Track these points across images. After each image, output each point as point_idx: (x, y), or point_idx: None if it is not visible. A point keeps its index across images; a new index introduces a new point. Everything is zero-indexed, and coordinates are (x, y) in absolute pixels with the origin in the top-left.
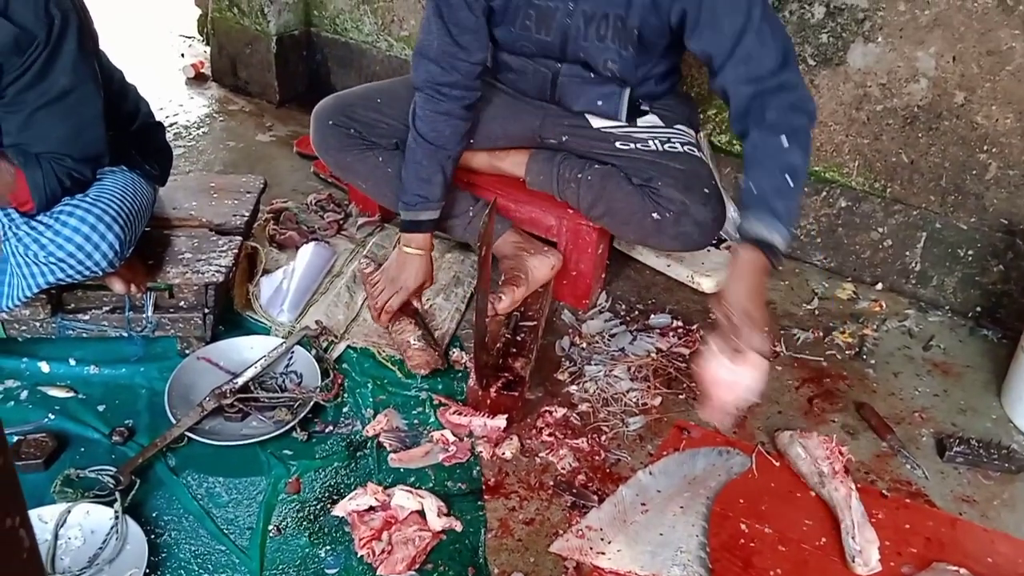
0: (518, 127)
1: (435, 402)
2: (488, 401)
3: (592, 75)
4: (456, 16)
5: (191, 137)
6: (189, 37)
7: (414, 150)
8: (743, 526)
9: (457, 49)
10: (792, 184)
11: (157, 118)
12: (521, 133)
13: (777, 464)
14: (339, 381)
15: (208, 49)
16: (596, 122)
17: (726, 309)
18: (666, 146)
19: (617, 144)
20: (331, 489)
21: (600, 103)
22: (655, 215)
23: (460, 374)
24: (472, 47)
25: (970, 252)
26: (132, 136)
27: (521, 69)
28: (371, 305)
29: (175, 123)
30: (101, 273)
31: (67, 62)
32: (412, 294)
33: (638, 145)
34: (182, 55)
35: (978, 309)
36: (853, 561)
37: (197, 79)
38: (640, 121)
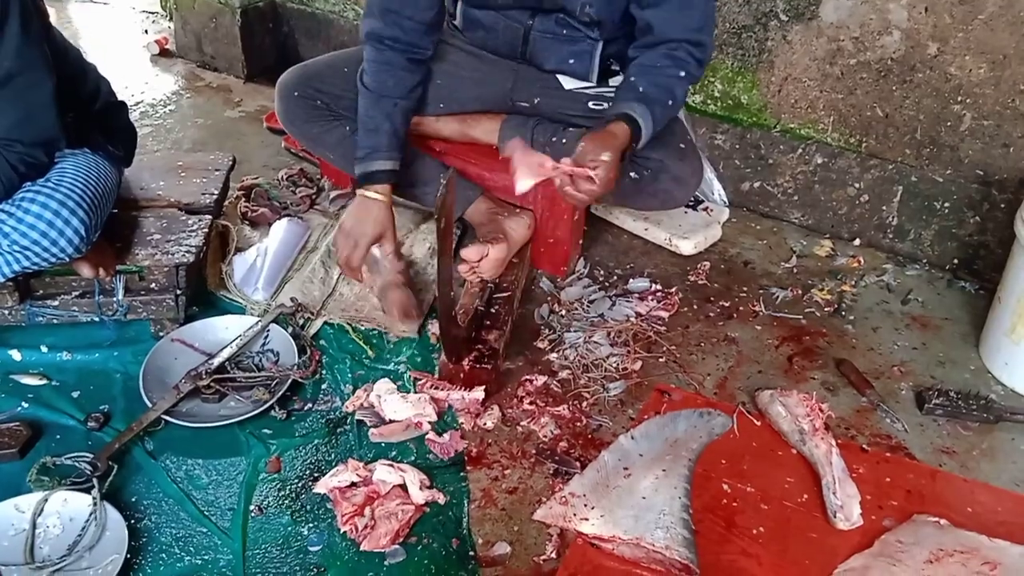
0: (489, 90)
1: (411, 378)
2: (461, 375)
3: (564, 32)
4: None
5: (158, 115)
6: (152, 13)
7: (361, 102)
8: (725, 486)
9: (401, 5)
10: (670, 107)
11: (121, 97)
12: (493, 96)
13: (758, 423)
14: (317, 358)
15: (172, 25)
16: (568, 83)
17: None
18: None
19: (590, 104)
20: (312, 467)
21: (572, 61)
22: (632, 174)
23: (437, 347)
24: (419, 4)
25: (946, 204)
26: (94, 117)
27: (491, 26)
28: (340, 265)
29: (141, 102)
30: (68, 259)
31: (10, 46)
32: (370, 244)
33: (608, 104)
34: (146, 31)
35: (955, 261)
36: (835, 516)
37: (162, 55)
38: (611, 81)
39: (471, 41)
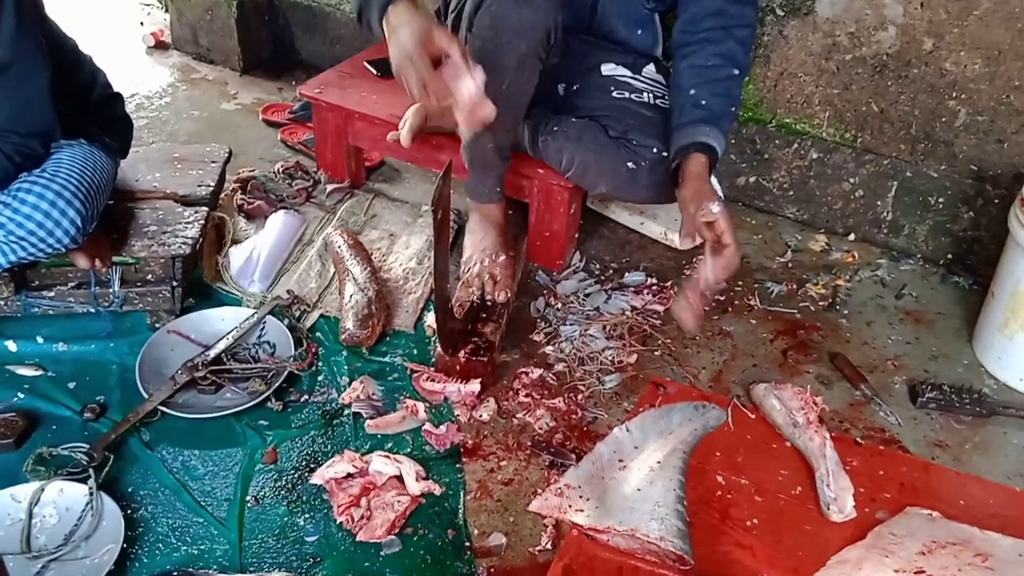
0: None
1: (408, 370)
2: (457, 367)
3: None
4: None
5: (153, 108)
6: (148, 4)
7: None
8: (720, 479)
9: None
10: (735, 113)
11: (116, 88)
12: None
13: (752, 416)
14: (313, 350)
15: (168, 16)
16: (606, 68)
17: (710, 211)
18: (659, 101)
19: (613, 93)
20: (308, 458)
21: (640, 32)
22: (630, 163)
23: (433, 340)
24: None
25: (941, 200)
26: (90, 108)
27: None
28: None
29: (136, 93)
30: (64, 250)
31: (5, 35)
32: (424, 49)
33: (632, 96)
34: (141, 23)
35: (949, 256)
36: (828, 509)
37: (158, 47)
38: (644, 71)
39: None
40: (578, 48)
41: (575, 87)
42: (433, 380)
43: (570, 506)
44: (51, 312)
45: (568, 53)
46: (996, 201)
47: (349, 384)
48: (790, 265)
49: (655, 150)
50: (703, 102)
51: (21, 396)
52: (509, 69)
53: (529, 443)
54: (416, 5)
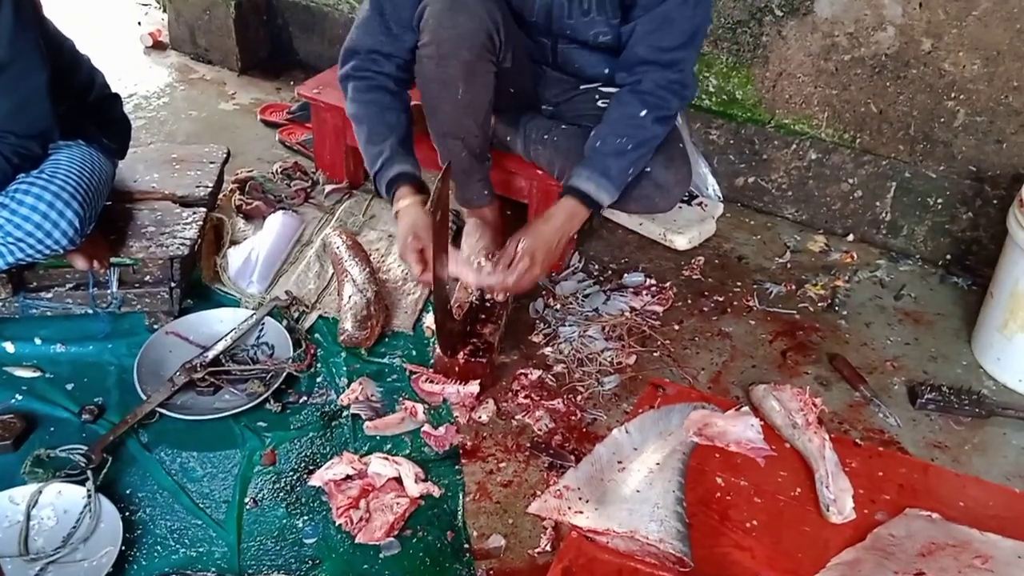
0: (518, 91)
1: (407, 371)
2: (456, 368)
3: (587, 49)
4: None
5: (151, 108)
6: (145, 4)
7: (361, 129)
8: (719, 480)
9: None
10: (633, 151)
11: (114, 89)
12: (520, 97)
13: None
14: (311, 351)
15: (165, 16)
16: (585, 85)
17: (518, 242)
18: None
19: (599, 102)
20: (307, 459)
21: (607, 71)
22: None
23: (432, 341)
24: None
25: (939, 200)
26: (87, 109)
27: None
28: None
29: (134, 94)
30: (62, 251)
31: (3, 34)
32: (413, 244)
33: None
34: (139, 23)
35: (948, 257)
36: (828, 510)
37: (155, 48)
38: None
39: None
40: (554, 74)
41: (560, 103)
42: (432, 381)
43: (569, 508)
44: (49, 313)
45: (543, 80)
46: (995, 202)
47: (348, 385)
48: (789, 266)
49: None
50: (597, 144)
51: (19, 398)
52: (459, 79)
53: (528, 445)
54: (419, 189)
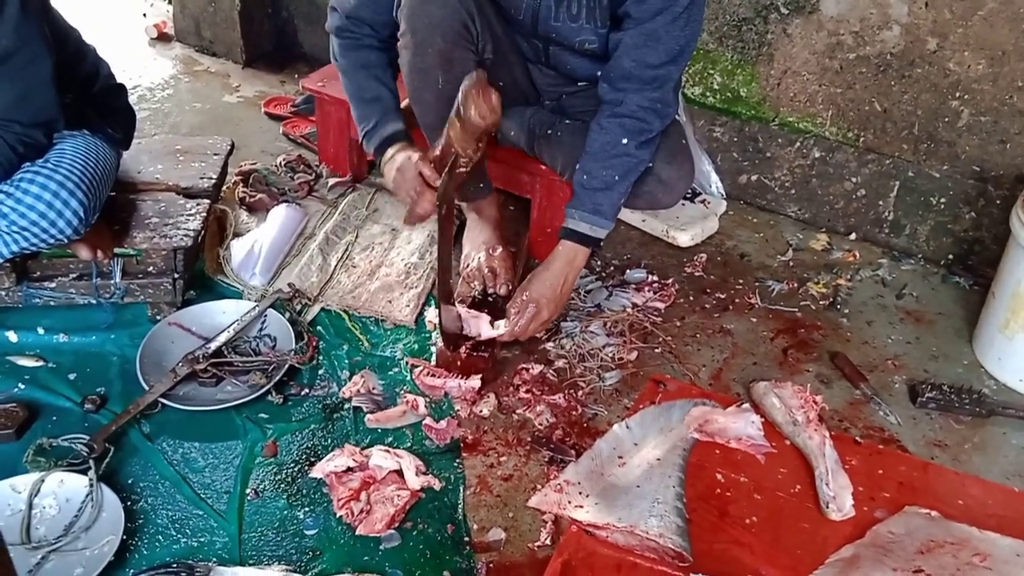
0: (519, 85)
1: (408, 365)
2: (458, 362)
3: (577, 54)
4: None
5: (156, 99)
6: None
7: (348, 81)
8: (719, 476)
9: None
10: (621, 182)
11: (119, 80)
12: (522, 92)
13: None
14: (314, 344)
15: (171, 8)
16: (583, 83)
17: (524, 292)
18: None
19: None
20: (308, 451)
21: (599, 73)
22: None
23: (434, 335)
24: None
25: (942, 200)
26: (92, 99)
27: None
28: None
29: (139, 85)
30: (66, 240)
31: (9, 23)
32: (398, 180)
33: None
34: (144, 15)
35: (950, 257)
36: (827, 507)
37: (160, 39)
38: None
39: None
40: (550, 72)
41: (561, 96)
42: (434, 375)
43: (569, 502)
44: (52, 303)
45: (541, 77)
46: (998, 202)
47: (350, 378)
48: (791, 264)
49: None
50: (584, 179)
51: (22, 387)
52: (437, 68)
53: (529, 439)
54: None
